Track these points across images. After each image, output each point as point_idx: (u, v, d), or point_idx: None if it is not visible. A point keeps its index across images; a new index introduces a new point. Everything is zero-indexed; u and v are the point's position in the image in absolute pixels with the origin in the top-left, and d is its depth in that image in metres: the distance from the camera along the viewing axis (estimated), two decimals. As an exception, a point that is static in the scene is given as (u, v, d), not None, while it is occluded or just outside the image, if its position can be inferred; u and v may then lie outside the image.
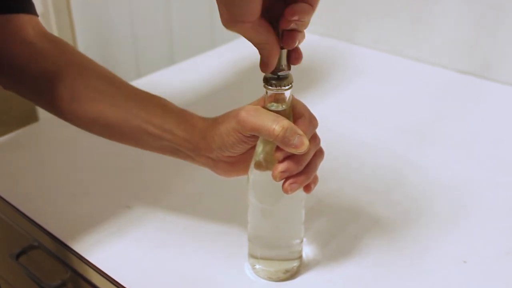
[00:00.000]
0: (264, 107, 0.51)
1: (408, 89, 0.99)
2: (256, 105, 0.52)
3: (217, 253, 0.62)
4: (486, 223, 0.66)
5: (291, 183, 0.50)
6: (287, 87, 0.49)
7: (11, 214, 0.70)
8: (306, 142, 0.49)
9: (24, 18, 0.61)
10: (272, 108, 0.50)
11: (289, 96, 0.50)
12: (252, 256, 0.59)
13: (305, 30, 0.47)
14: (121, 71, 1.35)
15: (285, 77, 0.49)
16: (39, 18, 0.64)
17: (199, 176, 0.72)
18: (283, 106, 0.50)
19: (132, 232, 0.65)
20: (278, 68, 0.48)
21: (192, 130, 0.56)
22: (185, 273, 0.59)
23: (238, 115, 0.50)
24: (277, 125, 0.48)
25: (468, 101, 0.94)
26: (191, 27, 1.55)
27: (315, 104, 0.57)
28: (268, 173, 0.51)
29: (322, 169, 0.54)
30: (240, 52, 1.10)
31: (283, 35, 0.46)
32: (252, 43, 0.47)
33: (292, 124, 0.49)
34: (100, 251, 0.62)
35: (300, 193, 0.53)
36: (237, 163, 0.56)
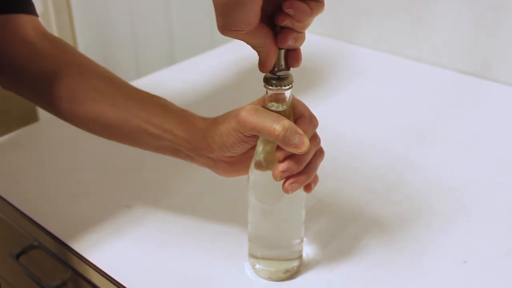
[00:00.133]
0: (265, 107, 0.51)
1: (408, 89, 0.99)
2: (256, 105, 0.52)
3: (217, 253, 0.62)
4: (486, 223, 0.66)
5: (291, 183, 0.50)
6: (287, 87, 0.49)
7: (11, 214, 0.70)
8: (306, 141, 0.49)
9: (24, 18, 0.61)
10: (273, 108, 0.50)
11: (289, 96, 0.50)
12: (252, 256, 0.59)
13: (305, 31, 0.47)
14: (121, 71, 1.35)
15: (285, 77, 0.49)
16: (39, 18, 0.64)
17: (199, 176, 0.72)
18: (284, 106, 0.50)
19: (132, 232, 0.65)
20: (276, 68, 0.48)
21: (192, 130, 0.56)
22: (185, 273, 0.59)
23: (239, 115, 0.50)
24: (277, 124, 0.48)
25: (468, 101, 0.94)
26: (191, 27, 1.55)
27: (315, 104, 0.57)
28: (269, 173, 0.51)
29: (322, 169, 0.54)
30: (240, 52, 1.10)
31: (279, 33, 0.46)
32: (249, 45, 0.47)
33: (293, 124, 0.49)
34: (100, 250, 0.62)
35: (300, 192, 0.53)
36: (237, 163, 0.56)
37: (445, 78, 1.02)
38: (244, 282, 0.58)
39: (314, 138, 0.52)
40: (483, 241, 0.64)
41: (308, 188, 0.53)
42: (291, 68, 0.49)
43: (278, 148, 0.50)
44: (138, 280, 0.59)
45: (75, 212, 0.68)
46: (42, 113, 1.44)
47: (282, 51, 0.48)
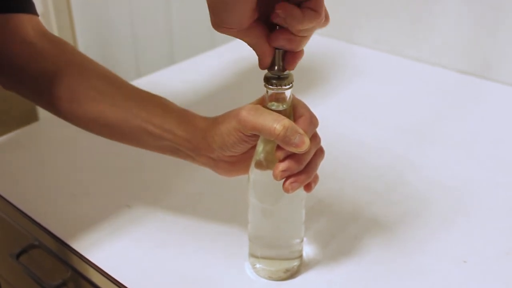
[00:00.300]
0: (265, 107, 0.51)
1: (408, 89, 0.99)
2: (256, 104, 0.52)
3: (217, 253, 0.62)
4: (486, 223, 0.66)
5: (291, 182, 0.50)
6: (287, 87, 0.49)
7: (11, 213, 0.70)
8: (307, 141, 0.49)
9: (24, 18, 0.61)
10: (273, 107, 0.50)
11: (290, 96, 0.50)
12: (252, 255, 0.59)
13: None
14: (121, 71, 1.35)
15: (285, 77, 0.49)
16: (39, 18, 0.64)
17: (199, 176, 0.72)
18: (284, 105, 0.50)
19: (132, 231, 0.65)
20: (276, 67, 0.48)
21: (193, 130, 0.56)
22: (185, 273, 0.59)
23: (239, 114, 0.50)
24: (278, 124, 0.48)
25: (468, 101, 0.94)
26: (191, 27, 1.55)
27: (315, 104, 0.57)
28: (269, 173, 0.51)
29: (322, 168, 0.54)
30: (240, 52, 1.10)
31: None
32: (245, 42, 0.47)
33: (293, 123, 0.49)
34: (101, 250, 0.62)
35: (300, 192, 0.53)
36: (237, 162, 0.56)
37: (445, 78, 1.02)
38: (244, 282, 0.58)
39: (314, 138, 0.52)
40: (483, 241, 0.64)
41: (308, 187, 0.53)
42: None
43: (279, 147, 0.50)
44: (138, 279, 0.59)
45: (75, 211, 0.68)
46: (42, 113, 1.44)
47: (281, 51, 0.48)
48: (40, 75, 0.61)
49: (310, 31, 0.45)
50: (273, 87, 0.49)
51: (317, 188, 0.54)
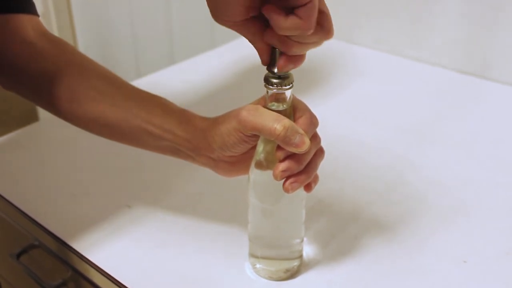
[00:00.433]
0: (265, 107, 0.51)
1: (408, 89, 0.99)
2: (256, 104, 0.52)
3: (217, 253, 0.62)
4: (486, 223, 0.66)
5: (291, 182, 0.50)
6: (287, 87, 0.49)
7: (12, 213, 0.70)
8: (307, 141, 0.49)
9: (24, 18, 0.61)
10: (273, 107, 0.50)
11: (290, 96, 0.50)
12: (252, 255, 0.59)
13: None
14: (121, 71, 1.35)
15: (285, 77, 0.49)
16: (40, 18, 0.64)
17: (199, 176, 0.72)
18: (284, 105, 0.50)
19: (132, 231, 0.65)
20: (273, 67, 0.48)
21: (193, 130, 0.56)
22: (185, 273, 0.59)
23: (239, 114, 0.50)
24: (278, 124, 0.48)
25: (468, 101, 0.94)
26: (191, 27, 1.55)
27: (315, 104, 0.57)
28: (269, 173, 0.51)
29: (323, 169, 0.54)
30: (240, 52, 1.10)
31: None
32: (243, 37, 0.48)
33: (293, 123, 0.49)
34: (101, 250, 0.62)
35: (300, 192, 0.53)
36: (237, 162, 0.56)
37: (445, 78, 1.02)
38: (244, 282, 0.58)
39: (315, 138, 0.52)
40: (483, 241, 0.64)
41: (308, 187, 0.53)
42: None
43: (279, 147, 0.50)
44: (138, 279, 0.59)
45: (75, 211, 0.68)
46: (42, 113, 1.44)
47: (277, 51, 0.48)
48: (40, 75, 0.61)
49: (304, 38, 0.45)
50: (273, 87, 0.49)
51: (317, 188, 0.54)
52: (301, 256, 0.60)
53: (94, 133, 0.62)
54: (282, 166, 0.50)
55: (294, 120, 0.51)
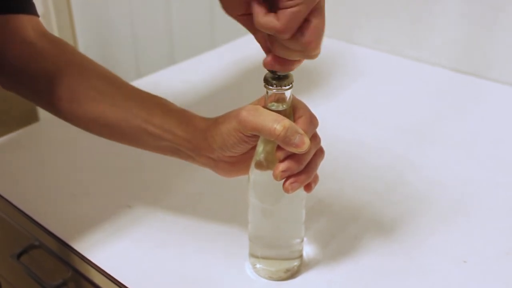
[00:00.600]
0: (265, 107, 0.51)
1: (408, 89, 0.99)
2: (256, 105, 0.52)
3: (217, 253, 0.62)
4: (486, 223, 0.67)
5: (291, 182, 0.50)
6: (287, 87, 0.49)
7: (12, 213, 0.71)
8: (307, 141, 0.49)
9: (24, 18, 0.61)
10: (273, 108, 0.50)
11: (290, 96, 0.50)
12: (252, 255, 0.59)
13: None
14: (121, 71, 1.35)
15: (285, 77, 0.49)
16: (40, 18, 0.64)
17: (199, 176, 0.72)
18: (284, 105, 0.50)
19: (132, 232, 0.65)
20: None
21: (193, 130, 0.56)
22: (185, 273, 0.59)
23: (239, 115, 0.50)
24: (278, 124, 0.48)
25: (468, 101, 0.95)
26: (191, 27, 1.55)
27: (315, 104, 0.57)
28: (269, 173, 0.51)
29: (322, 169, 0.54)
30: (240, 52, 1.10)
31: None
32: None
33: (293, 124, 0.49)
34: (101, 250, 0.62)
35: (300, 192, 0.53)
36: (238, 163, 0.56)
37: (445, 78, 1.02)
38: (244, 282, 0.58)
39: (315, 138, 0.52)
40: (483, 241, 0.64)
41: (308, 187, 0.53)
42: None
43: (279, 147, 0.50)
44: (139, 279, 0.59)
45: (76, 212, 0.68)
46: (42, 113, 1.44)
47: None
48: (40, 75, 0.61)
49: (285, 41, 0.45)
50: (273, 88, 0.49)
51: (317, 188, 0.54)
52: (301, 256, 0.60)
53: (94, 133, 0.62)
54: (282, 166, 0.50)
55: (294, 120, 0.51)
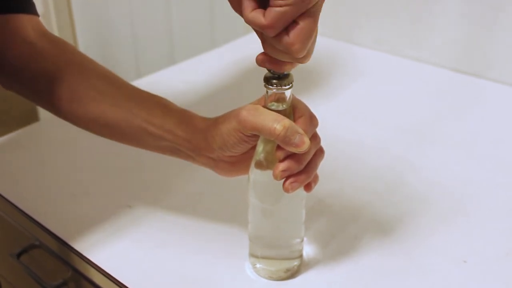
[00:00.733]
0: (265, 107, 0.51)
1: (408, 89, 0.99)
2: (256, 104, 0.52)
3: (217, 253, 0.62)
4: (486, 224, 0.67)
5: (291, 182, 0.50)
6: (287, 87, 0.49)
7: (12, 213, 0.71)
8: (306, 141, 0.49)
9: (24, 18, 0.61)
10: (273, 107, 0.50)
11: (290, 96, 0.50)
12: (252, 255, 0.59)
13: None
14: (121, 71, 1.36)
15: (285, 77, 0.49)
16: (40, 18, 0.64)
17: (199, 176, 0.72)
18: (284, 105, 0.50)
19: (132, 232, 0.65)
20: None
21: (193, 130, 0.56)
22: (185, 273, 0.59)
23: (239, 114, 0.50)
24: (278, 124, 0.48)
25: (468, 101, 0.95)
26: (191, 27, 1.55)
27: (315, 104, 0.57)
28: (269, 173, 0.51)
29: (322, 169, 0.54)
30: (240, 52, 1.10)
31: None
32: None
33: (293, 123, 0.49)
34: (101, 250, 0.62)
35: (300, 192, 0.53)
36: (238, 162, 0.56)
37: (445, 78, 1.02)
38: (244, 282, 0.58)
39: (314, 138, 0.52)
40: (483, 242, 0.64)
41: (308, 187, 0.53)
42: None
43: (279, 147, 0.50)
44: (139, 279, 0.59)
45: (76, 212, 0.68)
46: (42, 113, 1.44)
47: None
48: (40, 75, 0.61)
49: (271, 40, 0.45)
50: (273, 87, 0.49)
51: (317, 188, 0.54)
52: (301, 256, 0.60)
53: (94, 133, 0.62)
54: (282, 166, 0.50)
55: (294, 120, 0.51)
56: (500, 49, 0.97)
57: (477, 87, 0.99)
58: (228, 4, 0.46)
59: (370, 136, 0.84)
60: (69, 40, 1.37)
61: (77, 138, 0.80)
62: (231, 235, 0.64)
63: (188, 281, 0.58)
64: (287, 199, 0.53)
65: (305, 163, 0.51)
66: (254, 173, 0.53)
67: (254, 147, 0.53)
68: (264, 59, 0.47)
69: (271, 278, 0.58)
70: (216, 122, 0.54)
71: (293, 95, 0.51)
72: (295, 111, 0.52)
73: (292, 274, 0.59)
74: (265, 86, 0.50)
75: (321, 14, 0.45)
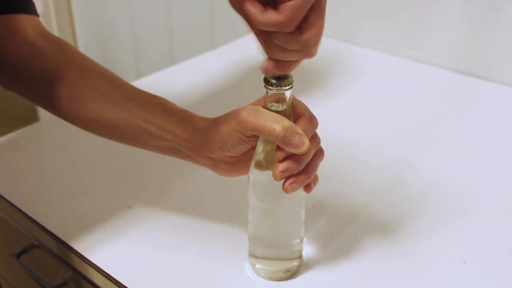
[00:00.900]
0: (265, 107, 0.51)
1: (408, 89, 0.99)
2: (256, 105, 0.52)
3: (217, 253, 0.62)
4: (486, 224, 0.66)
5: (291, 183, 0.50)
6: (287, 87, 0.49)
7: (12, 213, 0.71)
8: (306, 141, 0.49)
9: (24, 18, 0.61)
10: (273, 108, 0.50)
11: (290, 96, 0.50)
12: (252, 255, 0.59)
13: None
14: (121, 71, 1.35)
15: (285, 77, 0.49)
16: (40, 18, 0.64)
17: (199, 176, 0.72)
18: (284, 106, 0.50)
19: (132, 231, 0.65)
20: None
21: (193, 131, 0.56)
22: (185, 273, 0.59)
23: (239, 115, 0.50)
24: (277, 124, 0.48)
25: (468, 101, 0.95)
26: (191, 27, 1.55)
27: (315, 105, 0.57)
28: (269, 173, 0.51)
29: (322, 169, 0.54)
30: (240, 52, 1.10)
31: None
32: None
33: (293, 124, 0.49)
34: (101, 250, 0.62)
35: (300, 192, 0.53)
36: (237, 163, 0.56)
37: (445, 78, 1.02)
38: (244, 282, 0.58)
39: (314, 138, 0.52)
40: (483, 242, 0.64)
41: (308, 188, 0.53)
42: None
43: (278, 148, 0.50)
44: (139, 279, 0.59)
45: (76, 212, 0.68)
46: (42, 113, 1.44)
47: None
48: (40, 75, 0.61)
49: (284, 42, 0.45)
50: (273, 88, 0.49)
51: (317, 189, 0.54)
52: (301, 256, 0.60)
53: (94, 133, 0.62)
54: (282, 166, 0.50)
55: (294, 121, 0.51)
56: (500, 49, 0.97)
57: (477, 87, 0.99)
58: (228, 4, 0.46)
59: (370, 136, 0.83)
60: (69, 40, 1.37)
61: (77, 138, 0.80)
62: (231, 235, 0.64)
63: (188, 281, 0.58)
64: (287, 199, 0.53)
65: (304, 163, 0.51)
66: (254, 174, 0.53)
67: (254, 148, 0.53)
68: (271, 66, 0.48)
69: (271, 278, 0.58)
70: (216, 122, 0.54)
71: (293, 95, 0.51)
72: (295, 111, 0.52)
73: (291, 274, 0.59)
74: (265, 86, 0.50)
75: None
